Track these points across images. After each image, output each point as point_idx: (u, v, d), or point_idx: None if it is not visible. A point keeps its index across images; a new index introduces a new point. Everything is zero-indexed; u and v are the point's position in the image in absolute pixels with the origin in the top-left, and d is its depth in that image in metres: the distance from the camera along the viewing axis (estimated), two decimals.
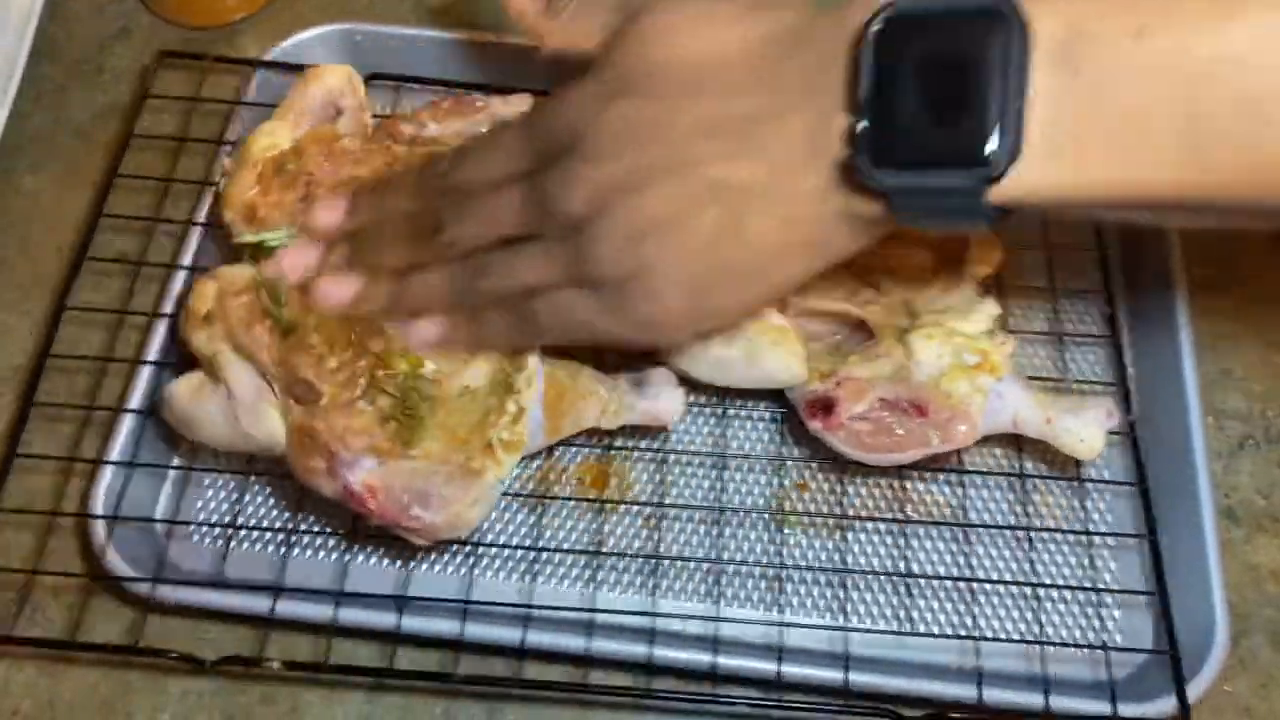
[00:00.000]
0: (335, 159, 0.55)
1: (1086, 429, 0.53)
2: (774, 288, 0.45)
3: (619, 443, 0.58)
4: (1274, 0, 0.33)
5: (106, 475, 0.55)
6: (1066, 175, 0.36)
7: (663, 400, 0.54)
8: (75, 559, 0.59)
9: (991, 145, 0.35)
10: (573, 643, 0.52)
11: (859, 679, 0.51)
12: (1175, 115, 0.34)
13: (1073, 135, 0.36)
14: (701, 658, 0.51)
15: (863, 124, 0.38)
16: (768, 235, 0.42)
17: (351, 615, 0.53)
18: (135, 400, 0.57)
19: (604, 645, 0.52)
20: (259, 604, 0.52)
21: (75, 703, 0.56)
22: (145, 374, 0.58)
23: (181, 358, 0.58)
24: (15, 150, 0.70)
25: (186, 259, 0.60)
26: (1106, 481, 0.59)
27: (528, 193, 0.45)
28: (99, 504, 0.55)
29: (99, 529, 0.54)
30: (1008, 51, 0.35)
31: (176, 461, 0.60)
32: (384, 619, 0.53)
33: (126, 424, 0.56)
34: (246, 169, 0.54)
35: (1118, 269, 0.65)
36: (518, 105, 0.60)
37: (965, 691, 0.51)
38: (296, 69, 0.65)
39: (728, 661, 0.51)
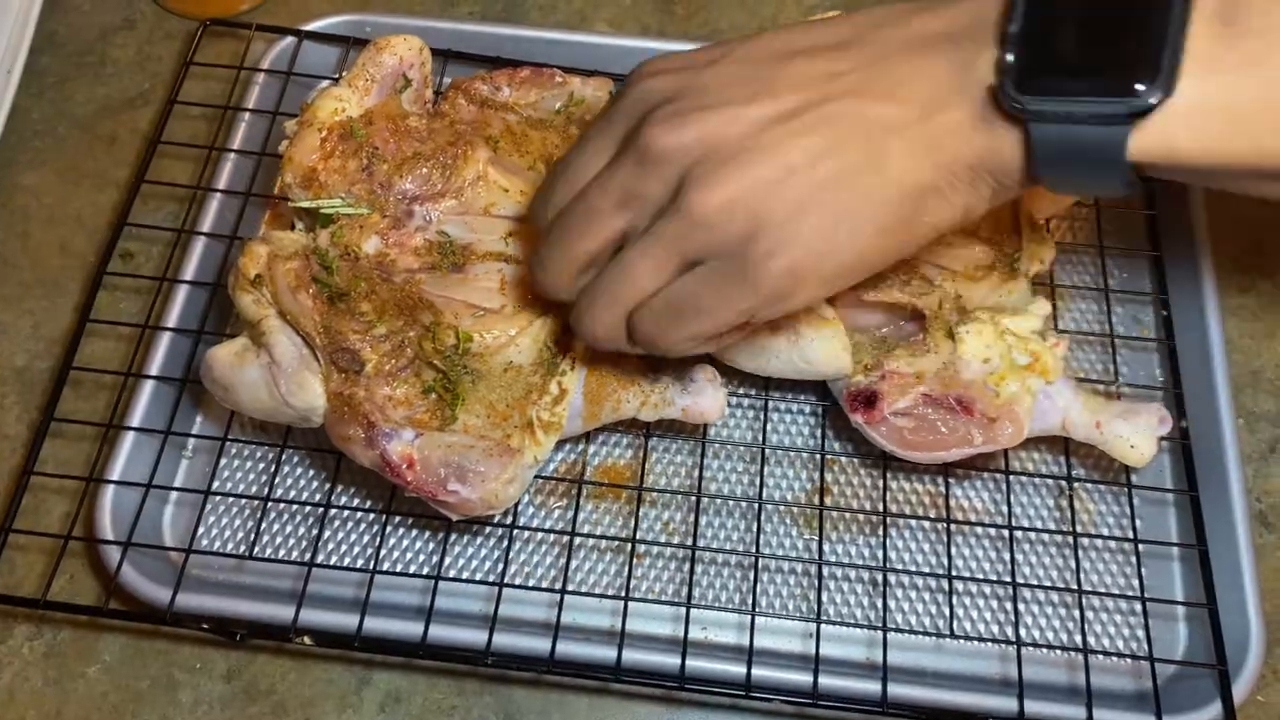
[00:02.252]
0: (401, 136, 0.55)
1: (1138, 435, 0.52)
2: (912, 237, 0.41)
3: (657, 433, 0.57)
4: None
5: (138, 444, 0.55)
6: (1214, 138, 0.35)
7: (705, 399, 0.53)
8: (106, 530, 0.58)
9: (1143, 75, 0.35)
10: (606, 650, 0.51)
11: (897, 691, 0.50)
12: None
13: (1226, 99, 0.35)
14: (736, 669, 0.50)
15: (1012, 55, 0.37)
16: (910, 174, 0.39)
17: (385, 595, 0.52)
18: (164, 369, 0.57)
19: (636, 642, 0.51)
20: (291, 580, 0.52)
21: (82, 714, 0.54)
22: (180, 344, 0.58)
23: (218, 329, 0.58)
24: (16, 145, 0.69)
25: (205, 225, 0.60)
26: (1158, 489, 0.58)
27: (617, 174, 0.41)
28: (128, 473, 0.54)
29: (130, 498, 0.54)
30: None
31: (212, 433, 0.59)
32: (416, 599, 0.53)
33: (155, 392, 0.56)
34: (311, 132, 0.54)
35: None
36: (598, 87, 0.60)
37: (1005, 704, 0.50)
38: (343, 40, 0.65)
39: (762, 673, 0.50)
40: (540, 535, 0.57)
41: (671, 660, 0.50)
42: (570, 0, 0.75)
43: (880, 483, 0.57)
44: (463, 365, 0.50)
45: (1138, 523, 0.57)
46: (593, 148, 0.43)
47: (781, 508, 0.58)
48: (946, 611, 0.55)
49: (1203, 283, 0.60)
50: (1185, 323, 0.60)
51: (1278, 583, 0.57)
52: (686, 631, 0.51)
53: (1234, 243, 0.64)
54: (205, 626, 0.51)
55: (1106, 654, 0.54)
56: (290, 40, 0.66)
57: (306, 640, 0.50)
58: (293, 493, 0.58)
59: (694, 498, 0.57)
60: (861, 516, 0.58)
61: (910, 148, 0.39)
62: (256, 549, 0.56)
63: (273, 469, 0.57)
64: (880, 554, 0.55)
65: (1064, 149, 0.37)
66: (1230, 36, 0.35)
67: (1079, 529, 0.56)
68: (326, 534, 0.57)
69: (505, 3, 0.75)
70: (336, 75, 0.64)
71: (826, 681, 0.50)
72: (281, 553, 0.56)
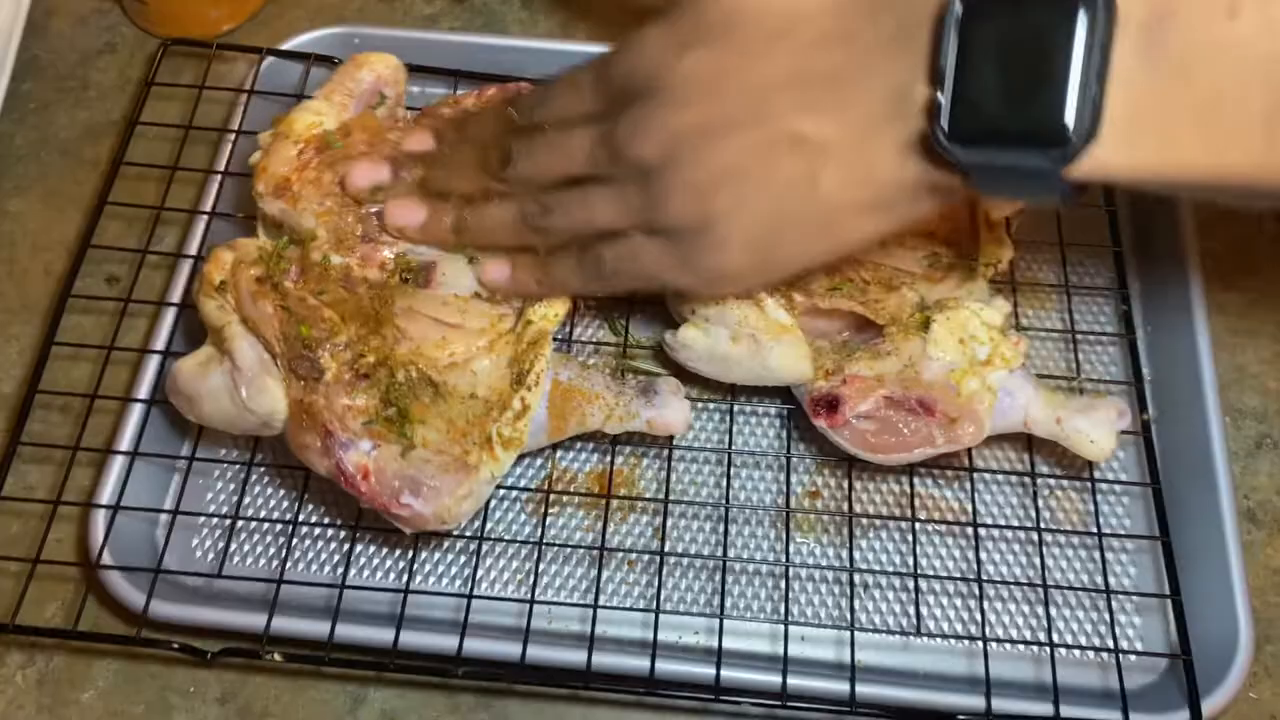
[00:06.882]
0: (377, 149, 0.55)
1: (1097, 430, 0.52)
2: (841, 245, 0.45)
3: (624, 440, 0.58)
4: None
5: (109, 466, 0.55)
6: (1146, 157, 0.36)
7: (670, 410, 0.53)
8: (74, 552, 0.58)
9: (1068, 127, 0.35)
10: (576, 655, 0.51)
11: (866, 690, 0.50)
12: (1262, 98, 0.34)
13: (1155, 118, 0.35)
14: (706, 670, 0.51)
15: (942, 97, 0.37)
16: (842, 192, 0.42)
17: (355, 606, 0.52)
18: (139, 391, 0.57)
19: (607, 647, 0.52)
20: (261, 597, 0.52)
21: None
22: (148, 364, 0.58)
23: (187, 347, 0.58)
24: (0, 172, 0.69)
25: (192, 248, 0.60)
26: (1119, 482, 0.58)
27: (600, 134, 0.45)
28: (101, 494, 0.54)
29: (100, 520, 0.54)
30: (1090, 32, 0.35)
31: (180, 452, 0.59)
32: (387, 611, 0.53)
33: (130, 414, 0.56)
34: (287, 144, 0.54)
35: (1132, 264, 0.64)
36: None
37: (973, 702, 0.50)
38: (304, 57, 0.65)
39: (732, 674, 0.51)
40: (513, 545, 0.57)
41: (641, 664, 0.50)
42: (550, 15, 0.75)
43: (846, 484, 0.57)
44: (425, 379, 0.50)
45: (1125, 520, 0.58)
46: (575, 96, 0.48)
47: (748, 511, 0.58)
48: (913, 611, 0.55)
49: (1188, 280, 0.60)
50: (1169, 319, 0.60)
51: (1267, 579, 0.57)
52: (656, 635, 0.51)
53: (1220, 239, 0.64)
54: (175, 646, 0.51)
55: (1069, 647, 0.54)
56: (271, 59, 0.66)
57: (277, 657, 0.51)
58: (256, 510, 0.58)
59: (662, 504, 0.57)
60: (827, 518, 0.58)
61: (842, 170, 0.41)
62: (226, 567, 0.56)
63: (240, 486, 0.58)
64: (847, 555, 0.56)
65: (1000, 181, 0.39)
66: (1154, 58, 0.35)
67: (1044, 524, 0.57)
68: (295, 550, 0.57)
69: (486, 18, 0.75)
70: (298, 93, 0.64)
71: (796, 682, 0.50)
72: (251, 569, 0.57)
